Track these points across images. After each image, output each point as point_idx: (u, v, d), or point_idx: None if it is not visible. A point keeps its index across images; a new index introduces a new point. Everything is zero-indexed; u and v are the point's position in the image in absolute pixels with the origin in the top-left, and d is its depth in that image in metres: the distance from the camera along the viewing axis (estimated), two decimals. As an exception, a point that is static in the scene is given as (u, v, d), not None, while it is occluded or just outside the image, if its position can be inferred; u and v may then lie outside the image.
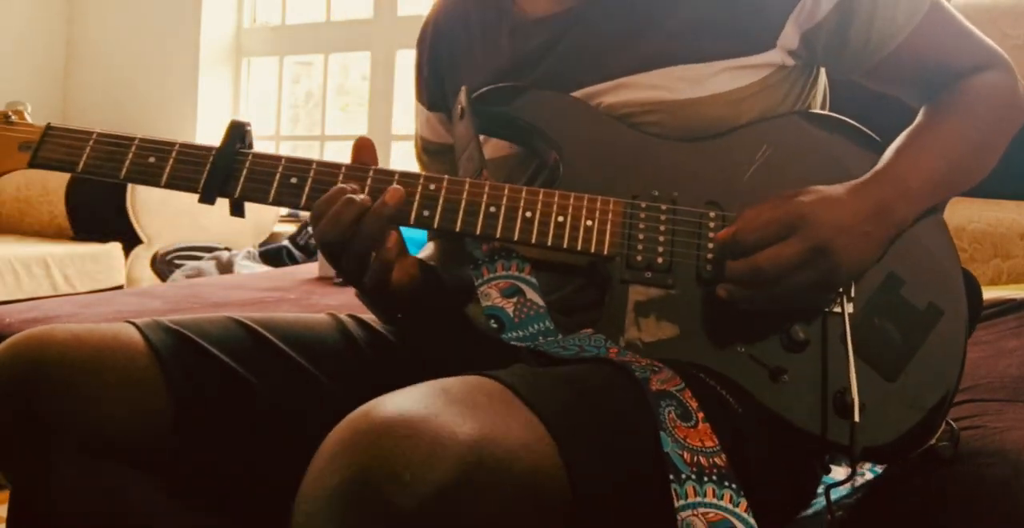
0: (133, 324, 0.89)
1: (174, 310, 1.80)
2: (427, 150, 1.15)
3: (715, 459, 0.72)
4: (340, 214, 0.82)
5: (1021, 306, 1.47)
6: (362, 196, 0.83)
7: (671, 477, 0.69)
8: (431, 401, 0.64)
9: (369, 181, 0.86)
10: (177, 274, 3.11)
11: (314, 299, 1.95)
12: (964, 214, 1.79)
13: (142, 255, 3.34)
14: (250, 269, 3.03)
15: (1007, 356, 1.25)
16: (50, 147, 0.88)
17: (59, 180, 3.46)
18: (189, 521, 0.88)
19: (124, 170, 0.87)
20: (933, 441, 0.88)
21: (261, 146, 3.86)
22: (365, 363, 0.96)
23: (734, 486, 0.71)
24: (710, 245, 0.87)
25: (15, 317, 1.68)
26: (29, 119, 0.91)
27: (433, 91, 1.11)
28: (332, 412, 0.92)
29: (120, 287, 3.18)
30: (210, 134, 3.80)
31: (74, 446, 0.83)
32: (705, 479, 0.70)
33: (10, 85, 4.00)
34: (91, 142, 0.88)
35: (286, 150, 3.87)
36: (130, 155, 0.87)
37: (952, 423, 0.92)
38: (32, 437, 0.83)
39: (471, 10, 1.07)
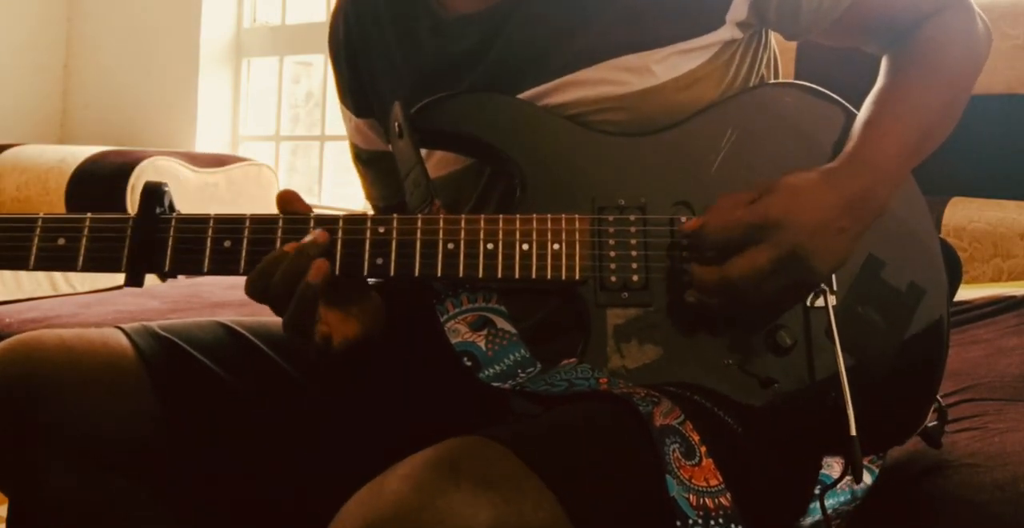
0: (122, 330, 0.88)
1: (173, 310, 1.80)
2: (360, 158, 1.09)
3: (720, 499, 0.70)
4: (263, 267, 0.77)
5: (1021, 304, 1.47)
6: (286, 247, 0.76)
7: (678, 524, 0.68)
8: (439, 485, 0.61)
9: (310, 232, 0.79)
10: (177, 274, 3.10)
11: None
12: (964, 214, 1.78)
13: (142, 255, 3.33)
14: (250, 269, 3.02)
15: (1007, 355, 1.25)
16: None
17: (59, 179, 3.45)
18: (180, 526, 0.88)
19: (32, 258, 0.78)
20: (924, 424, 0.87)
21: (261, 146, 3.86)
22: (353, 371, 0.95)
23: (740, 527, 0.70)
24: (684, 254, 0.83)
25: (15, 317, 1.67)
26: None
27: (357, 96, 1.04)
28: (319, 419, 0.92)
29: (120, 287, 3.17)
30: (210, 134, 3.80)
31: (63, 453, 0.82)
32: (712, 522, 0.69)
33: (10, 85, 4.00)
34: None
35: (286, 150, 3.86)
36: (35, 239, 0.78)
37: (939, 401, 0.90)
38: (21, 445, 0.82)
39: (379, 2, 1.00)
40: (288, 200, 0.81)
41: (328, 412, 0.92)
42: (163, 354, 0.87)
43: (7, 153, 3.52)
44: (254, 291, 0.78)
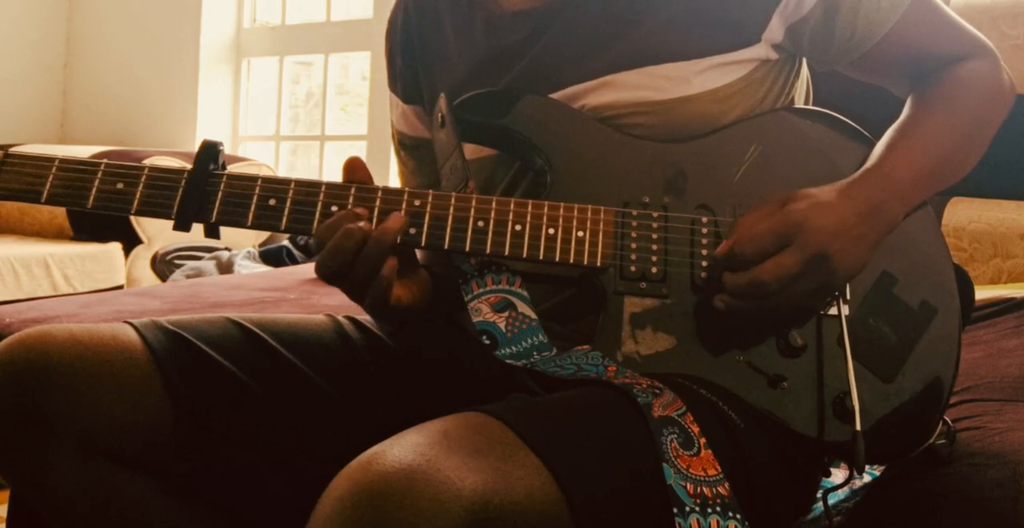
0: (131, 325, 0.89)
1: (174, 310, 1.80)
2: (404, 145, 1.12)
3: (718, 488, 0.71)
4: (340, 246, 0.80)
5: (1021, 305, 1.47)
6: (362, 224, 0.80)
7: (675, 511, 0.68)
8: (431, 452, 0.63)
9: (351, 199, 0.83)
10: (177, 274, 3.11)
11: (314, 299, 1.95)
12: (964, 214, 1.78)
13: (142, 255, 3.34)
14: (250, 269, 3.03)
15: (1007, 356, 1.25)
16: (9, 176, 0.83)
17: (59, 180, 3.46)
18: (186, 521, 0.88)
19: (91, 198, 0.82)
20: (931, 440, 0.88)
21: (261, 146, 3.86)
22: (361, 365, 0.96)
23: (738, 516, 0.70)
24: (704, 252, 0.86)
25: (15, 317, 1.67)
26: None
27: (408, 83, 1.08)
28: (327, 413, 0.92)
29: (120, 287, 3.18)
30: (210, 135, 3.79)
31: (72, 446, 0.83)
32: (709, 510, 0.70)
33: (10, 85, 4.00)
34: (53, 169, 0.83)
35: (286, 150, 3.86)
36: (96, 182, 0.83)
37: (949, 421, 0.91)
38: (30, 437, 0.83)
39: None
40: (353, 168, 0.85)
41: (337, 405, 0.93)
42: (172, 348, 0.87)
43: (7, 153, 3.52)
44: (315, 245, 0.83)
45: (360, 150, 3.54)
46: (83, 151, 3.36)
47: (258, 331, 0.93)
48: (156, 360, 0.86)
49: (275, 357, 0.92)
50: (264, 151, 3.85)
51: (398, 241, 0.81)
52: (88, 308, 1.78)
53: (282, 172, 3.75)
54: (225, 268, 3.09)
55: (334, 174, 3.71)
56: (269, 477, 0.91)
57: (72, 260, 3.16)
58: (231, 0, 3.89)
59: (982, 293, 1.54)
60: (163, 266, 3.26)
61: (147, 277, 3.30)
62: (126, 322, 0.90)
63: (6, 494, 0.89)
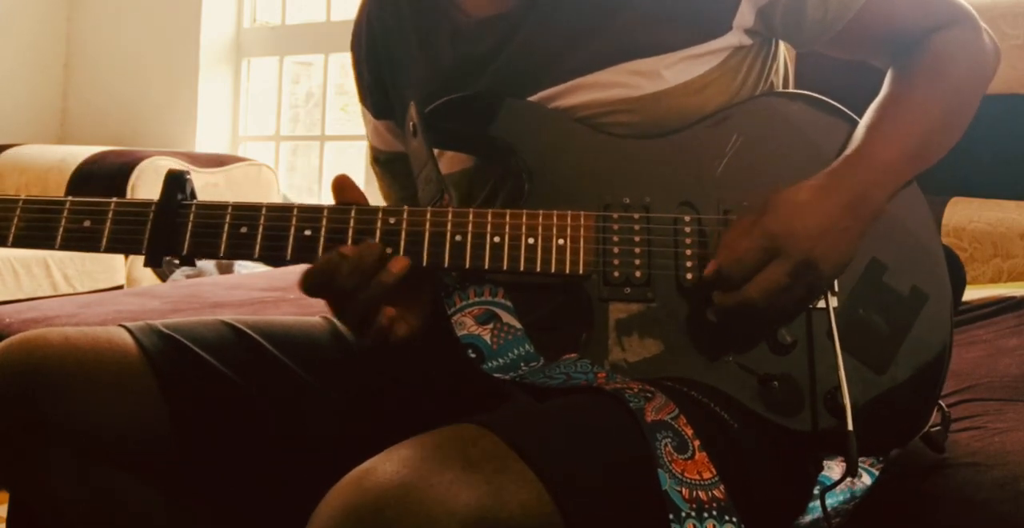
0: (126, 328, 0.89)
1: (174, 310, 1.80)
2: (378, 160, 1.11)
3: (714, 492, 0.71)
4: (362, 260, 0.79)
5: (1020, 304, 1.47)
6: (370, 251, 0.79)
7: (671, 516, 0.68)
8: (424, 467, 0.62)
9: (324, 221, 0.82)
10: (177, 274, 3.11)
11: (313, 299, 1.95)
12: (964, 214, 1.78)
13: (142, 255, 3.34)
14: (249, 269, 3.02)
15: (1007, 355, 1.25)
16: None
17: (59, 179, 3.46)
18: (185, 522, 0.88)
19: (59, 238, 0.81)
20: (926, 428, 0.88)
21: (261, 146, 3.86)
22: (356, 367, 0.96)
23: (734, 519, 0.70)
24: (688, 252, 0.84)
25: (15, 317, 1.67)
26: None
27: (377, 97, 1.06)
28: (323, 415, 0.92)
29: (120, 287, 3.18)
30: (210, 135, 3.79)
31: (70, 449, 0.83)
32: (705, 514, 0.69)
33: (10, 85, 4.00)
34: (18, 210, 0.82)
35: (286, 150, 3.86)
36: (63, 221, 0.81)
37: (943, 405, 0.91)
38: (28, 440, 0.83)
39: (403, 7, 1.02)
40: (342, 187, 0.83)
41: (333, 407, 0.93)
42: (167, 352, 0.87)
43: (7, 153, 3.52)
44: (315, 285, 0.80)
45: (360, 150, 3.53)
46: (83, 151, 3.35)
47: (252, 333, 0.93)
48: (151, 363, 0.86)
49: (270, 359, 0.92)
50: (264, 151, 3.85)
51: (398, 284, 0.80)
52: (88, 308, 1.78)
53: (282, 172, 3.74)
54: (225, 268, 3.09)
55: (335, 173, 3.70)
56: (265, 478, 0.91)
57: (72, 260, 3.15)
58: (231, 0, 3.88)
59: (982, 292, 1.54)
60: (163, 266, 3.25)
61: (147, 277, 3.30)
62: (121, 325, 0.90)
63: (6, 494, 0.89)
